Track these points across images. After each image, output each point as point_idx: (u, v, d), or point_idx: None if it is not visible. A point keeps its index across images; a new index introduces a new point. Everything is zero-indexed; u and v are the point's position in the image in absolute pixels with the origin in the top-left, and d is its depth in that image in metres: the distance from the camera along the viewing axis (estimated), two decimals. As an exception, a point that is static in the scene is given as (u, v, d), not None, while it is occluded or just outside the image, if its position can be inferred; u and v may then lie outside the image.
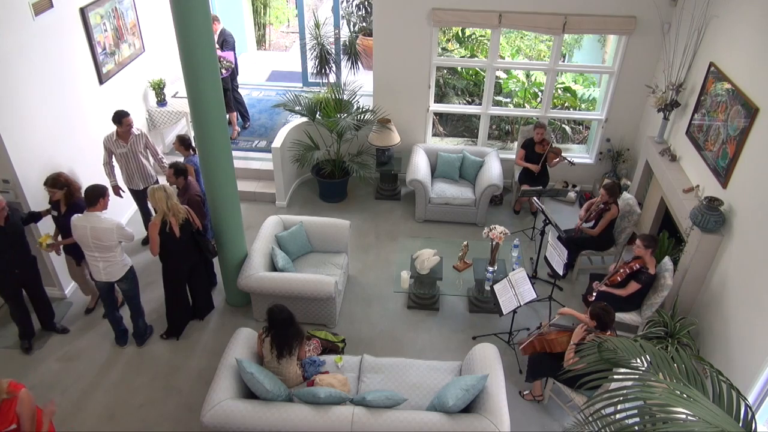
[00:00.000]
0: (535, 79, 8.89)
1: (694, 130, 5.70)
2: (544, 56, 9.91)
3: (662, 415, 2.67)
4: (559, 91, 8.76)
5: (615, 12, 6.45)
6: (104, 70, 6.37)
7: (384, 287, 6.17)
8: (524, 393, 5.01)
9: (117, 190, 5.99)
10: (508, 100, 8.94)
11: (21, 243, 4.96)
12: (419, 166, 7.01)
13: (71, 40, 5.83)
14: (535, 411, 4.91)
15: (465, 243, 5.87)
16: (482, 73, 8.38)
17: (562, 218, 6.99)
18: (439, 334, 5.63)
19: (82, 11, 5.92)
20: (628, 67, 6.83)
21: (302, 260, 5.92)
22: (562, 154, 6.86)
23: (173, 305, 5.41)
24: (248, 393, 4.26)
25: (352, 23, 9.57)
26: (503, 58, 9.14)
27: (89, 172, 6.00)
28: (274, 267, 5.61)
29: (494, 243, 5.54)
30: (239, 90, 8.21)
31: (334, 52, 8.68)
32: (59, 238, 5.24)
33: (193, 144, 6.09)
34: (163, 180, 5.73)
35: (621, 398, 2.78)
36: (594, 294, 5.19)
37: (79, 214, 4.82)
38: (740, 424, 2.64)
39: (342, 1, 9.37)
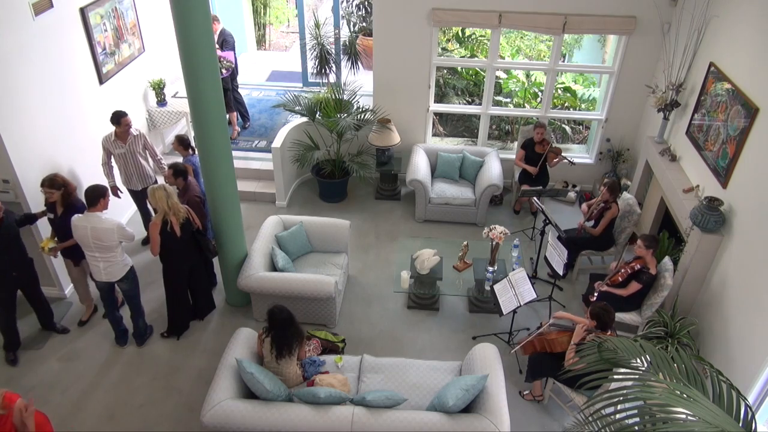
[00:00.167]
0: (535, 79, 8.89)
1: (694, 130, 5.70)
2: (544, 56, 9.91)
3: (662, 415, 2.67)
4: (559, 91, 8.76)
5: (615, 12, 6.45)
6: (104, 70, 6.37)
7: (384, 287, 6.17)
8: (524, 393, 5.01)
9: (115, 191, 5.99)
10: (508, 100, 8.94)
11: (17, 245, 4.92)
12: (419, 166, 7.01)
13: (71, 40, 5.83)
14: (535, 411, 4.91)
15: (465, 243, 5.87)
16: (482, 73, 8.38)
17: (562, 218, 6.99)
18: (439, 334, 5.64)
19: (82, 11, 5.92)
20: (628, 67, 6.83)
21: (302, 260, 5.92)
22: (562, 154, 6.86)
23: (174, 305, 5.41)
24: (248, 393, 4.26)
25: (352, 23, 9.57)
26: (503, 58, 9.15)
27: (89, 172, 6.00)
28: (274, 267, 5.61)
29: (494, 243, 5.54)
30: (239, 90, 8.21)
31: (334, 52, 8.68)
32: (55, 240, 5.20)
33: (192, 144, 6.11)
34: (162, 181, 5.72)
35: (621, 398, 2.78)
36: (596, 294, 5.19)
37: (80, 215, 4.82)
38: (740, 424, 2.64)
39: (342, 1, 9.37)
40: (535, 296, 5.04)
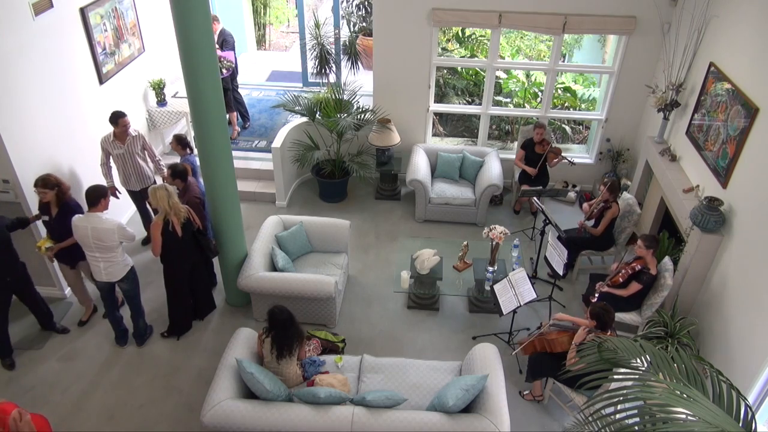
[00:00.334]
0: (535, 79, 8.89)
1: (694, 130, 5.70)
2: (544, 56, 9.91)
3: (662, 415, 2.67)
4: (559, 91, 8.76)
5: (615, 12, 6.45)
6: (104, 70, 6.37)
7: (384, 287, 6.17)
8: (524, 393, 5.01)
9: (113, 191, 5.97)
10: (508, 100, 8.94)
11: (8, 250, 4.88)
12: (419, 166, 7.01)
13: (71, 40, 5.83)
14: (535, 411, 4.91)
15: (465, 243, 5.87)
16: (482, 73, 8.38)
17: (562, 218, 6.99)
18: (439, 334, 5.63)
19: (82, 11, 5.92)
20: (628, 67, 6.83)
21: (302, 260, 5.92)
22: (562, 154, 6.87)
23: (176, 305, 5.41)
24: (248, 393, 4.26)
25: (352, 23, 9.57)
26: (503, 58, 9.15)
27: (89, 172, 6.01)
28: (274, 267, 5.61)
29: (494, 243, 5.54)
30: (239, 90, 8.21)
31: (334, 52, 8.68)
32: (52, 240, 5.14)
33: (190, 143, 6.11)
34: (160, 182, 5.72)
35: (621, 398, 2.78)
36: (596, 295, 5.19)
37: (80, 215, 4.82)
38: (740, 424, 2.64)
39: (342, 1, 9.37)
40: (535, 296, 5.04)
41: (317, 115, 7.14)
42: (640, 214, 6.07)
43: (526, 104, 8.89)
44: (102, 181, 5.80)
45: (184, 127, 8.02)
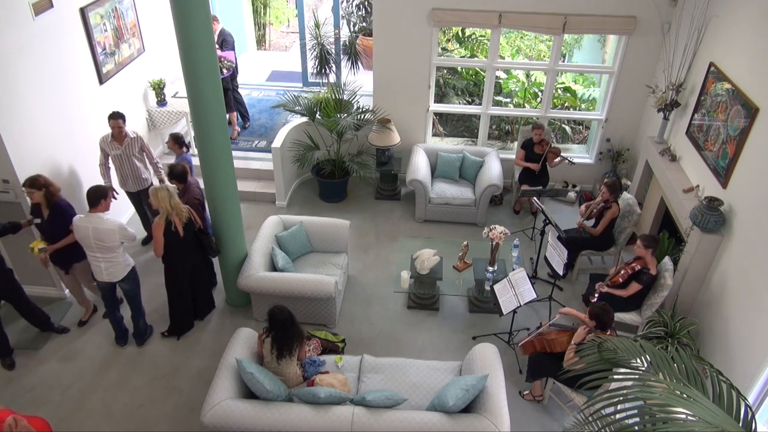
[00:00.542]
0: (535, 79, 8.89)
1: (694, 130, 5.70)
2: (544, 56, 9.91)
3: (662, 415, 2.67)
4: (559, 91, 8.76)
5: (615, 12, 6.45)
6: (104, 70, 6.37)
7: (384, 287, 6.17)
8: (524, 393, 5.01)
9: (111, 192, 5.94)
10: (508, 100, 8.94)
11: None
12: (419, 166, 7.01)
13: (71, 40, 5.83)
14: (535, 411, 4.91)
15: (465, 243, 5.87)
16: (482, 73, 8.38)
17: (562, 218, 6.99)
18: (439, 334, 5.63)
19: (82, 11, 5.92)
20: (628, 67, 6.83)
21: (302, 260, 5.92)
22: (562, 154, 6.87)
23: (177, 305, 5.41)
24: (248, 393, 4.26)
25: (352, 23, 9.57)
26: (503, 58, 9.15)
27: (89, 172, 6.01)
28: (274, 267, 5.61)
29: (494, 243, 5.54)
30: (239, 90, 8.21)
31: (334, 52, 8.68)
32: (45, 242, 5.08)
33: (186, 141, 6.12)
34: (157, 184, 5.71)
35: (621, 398, 2.78)
36: (596, 295, 5.19)
37: (81, 215, 4.82)
38: (740, 424, 2.64)
39: (342, 1, 9.37)
40: (535, 296, 5.04)
41: (317, 115, 7.14)
42: (640, 214, 6.07)
43: (526, 104, 8.89)
44: (100, 182, 5.81)
45: (184, 127, 8.01)
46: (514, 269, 5.35)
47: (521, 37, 10.35)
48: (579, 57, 10.15)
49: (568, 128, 8.84)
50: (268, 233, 5.81)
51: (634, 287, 5.10)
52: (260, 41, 12.00)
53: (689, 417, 2.62)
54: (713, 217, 4.82)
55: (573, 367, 4.03)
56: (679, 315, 5.06)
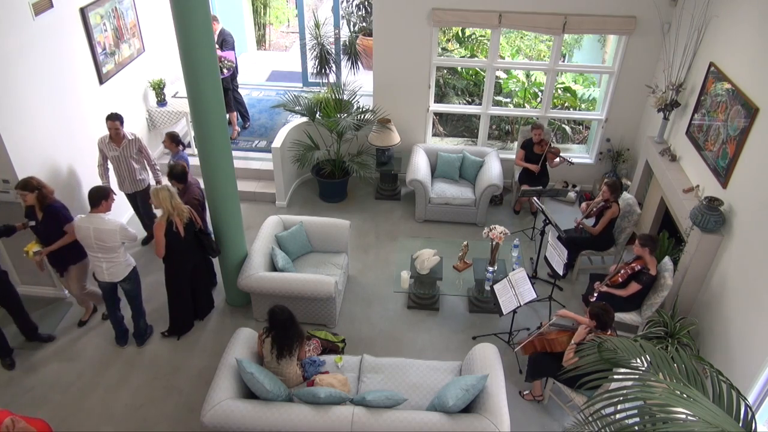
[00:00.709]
0: (535, 79, 8.89)
1: (694, 130, 5.70)
2: (544, 56, 9.91)
3: (662, 415, 2.67)
4: (559, 91, 8.76)
5: (615, 12, 6.45)
6: (104, 70, 6.37)
7: (384, 287, 6.17)
8: (524, 393, 5.01)
9: None
10: (508, 100, 8.94)
11: None
12: (419, 166, 7.01)
13: (71, 40, 5.83)
14: (535, 411, 4.91)
15: (465, 243, 5.87)
16: (482, 73, 8.38)
17: (562, 218, 6.99)
18: (439, 334, 5.63)
19: (82, 11, 5.92)
20: (628, 67, 6.83)
21: (302, 260, 5.92)
22: (561, 154, 6.87)
23: (177, 305, 5.41)
24: (248, 393, 4.26)
25: (352, 23, 9.57)
26: (503, 58, 9.15)
27: (89, 172, 6.01)
28: (274, 267, 5.61)
29: (494, 243, 5.54)
30: (239, 90, 8.21)
31: (334, 52, 8.68)
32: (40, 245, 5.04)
33: (183, 140, 6.11)
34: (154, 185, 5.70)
35: (621, 398, 2.78)
36: (595, 294, 5.20)
37: (83, 215, 4.82)
38: (740, 424, 2.64)
39: (342, 1, 9.37)
40: (535, 296, 5.04)
41: (317, 115, 7.14)
42: (640, 214, 6.07)
43: (526, 104, 8.89)
44: (99, 182, 5.80)
45: (184, 127, 8.02)
46: (514, 269, 5.35)
47: (521, 37, 10.35)
48: (579, 57, 10.15)
49: (568, 128, 8.84)
50: (268, 233, 5.81)
51: (634, 287, 5.10)
52: (260, 41, 12.00)
53: (689, 417, 2.62)
54: (713, 217, 4.82)
55: (573, 367, 4.03)
56: (679, 315, 5.06)
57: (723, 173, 5.02)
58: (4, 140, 4.98)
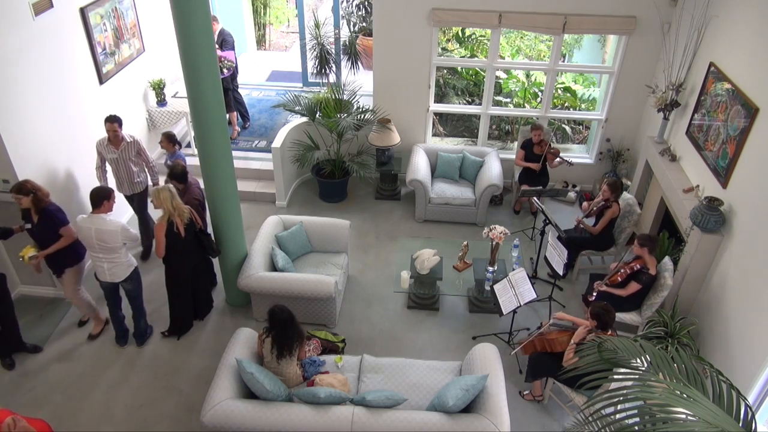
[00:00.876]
0: (535, 79, 8.89)
1: (694, 130, 5.70)
2: (544, 56, 9.91)
3: (662, 415, 2.67)
4: (559, 91, 8.76)
5: (615, 12, 6.45)
6: (104, 70, 6.38)
7: (384, 287, 6.17)
8: (524, 393, 5.01)
9: None
10: (508, 100, 8.94)
11: None
12: (419, 166, 7.01)
13: (71, 40, 5.83)
14: (535, 411, 4.91)
15: (465, 243, 5.87)
16: (482, 73, 8.38)
17: (562, 218, 6.99)
18: (439, 334, 5.63)
19: (82, 11, 5.92)
20: (628, 67, 6.83)
21: (302, 260, 5.92)
22: (561, 155, 6.87)
23: (177, 305, 5.41)
24: (248, 393, 4.26)
25: (352, 23, 9.57)
26: (503, 58, 9.14)
27: (88, 173, 6.00)
28: (274, 267, 5.61)
29: (494, 243, 5.54)
30: (239, 90, 8.21)
31: (334, 52, 8.68)
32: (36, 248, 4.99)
33: (179, 140, 6.11)
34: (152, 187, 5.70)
35: (621, 398, 2.78)
36: (594, 294, 5.20)
37: (84, 215, 4.82)
38: (740, 424, 2.64)
39: (342, 1, 9.37)
40: (535, 296, 5.04)
41: (317, 115, 7.14)
42: (640, 214, 6.07)
43: (526, 104, 8.89)
44: (96, 185, 5.79)
45: (184, 127, 8.02)
46: (514, 269, 5.35)
47: (521, 37, 10.35)
48: (579, 57, 10.15)
49: (568, 128, 8.84)
50: (268, 233, 5.81)
51: (633, 287, 5.10)
52: (260, 41, 12.00)
53: (689, 417, 2.62)
54: (713, 217, 4.82)
55: (573, 367, 4.03)
56: (679, 315, 5.06)
57: (723, 173, 5.02)
58: (4, 140, 4.98)
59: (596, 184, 7.59)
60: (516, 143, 7.75)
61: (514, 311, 5.15)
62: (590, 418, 2.86)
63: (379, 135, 7.10)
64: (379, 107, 7.35)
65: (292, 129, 7.33)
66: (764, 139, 4.50)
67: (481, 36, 9.39)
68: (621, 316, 5.21)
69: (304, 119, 7.38)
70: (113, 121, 5.65)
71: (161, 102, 7.51)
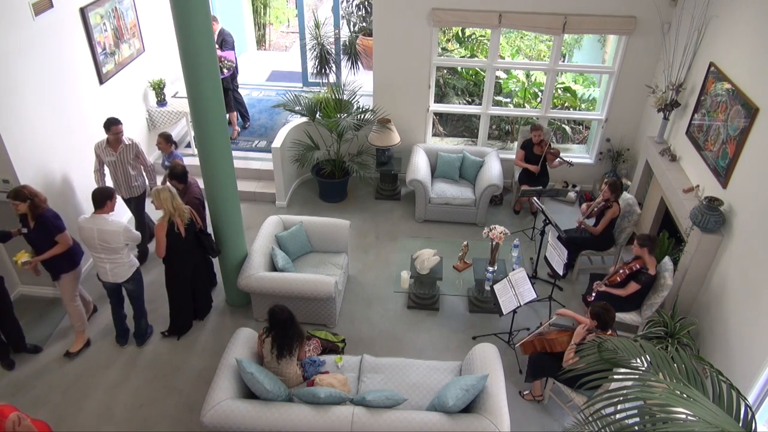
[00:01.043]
0: (535, 79, 8.89)
1: (694, 130, 5.70)
2: (544, 56, 9.91)
3: (662, 415, 2.67)
4: (559, 91, 8.76)
5: (615, 12, 6.45)
6: (104, 70, 6.37)
7: (384, 287, 6.17)
8: (524, 393, 5.01)
9: None
10: (508, 100, 8.94)
11: None
12: (419, 166, 7.01)
13: (71, 40, 5.83)
14: (535, 411, 4.91)
15: (465, 243, 5.87)
16: (482, 73, 8.38)
17: (562, 218, 6.99)
18: (439, 334, 5.63)
19: (82, 11, 5.92)
20: (628, 67, 6.83)
21: (302, 260, 5.92)
22: (560, 155, 6.87)
23: (177, 305, 5.41)
24: (248, 393, 4.26)
25: (352, 23, 9.57)
26: (503, 58, 9.15)
27: (88, 173, 6.00)
28: (274, 267, 5.61)
29: (494, 243, 5.54)
30: (239, 90, 8.20)
31: (334, 52, 8.68)
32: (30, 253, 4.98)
33: (175, 139, 6.11)
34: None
35: (621, 398, 2.78)
36: (593, 294, 5.20)
37: (86, 216, 4.82)
38: (740, 424, 2.64)
39: (342, 1, 9.37)
40: (535, 296, 5.04)
41: (317, 115, 7.14)
42: (640, 214, 6.07)
43: (526, 104, 8.89)
44: (95, 187, 5.78)
45: (184, 127, 8.02)
46: (514, 269, 5.35)
47: (521, 37, 10.35)
48: (579, 57, 10.15)
49: (568, 128, 8.84)
50: (268, 233, 5.81)
51: (633, 287, 5.10)
52: (260, 41, 12.00)
53: (689, 417, 2.62)
54: (713, 217, 4.82)
55: (573, 367, 4.03)
56: (679, 315, 5.06)
57: (723, 173, 5.02)
58: (4, 140, 4.98)
59: (596, 184, 7.59)
60: (516, 143, 7.75)
61: (514, 311, 5.15)
62: (590, 418, 2.86)
63: (379, 135, 7.10)
64: (379, 107, 7.35)
65: (292, 129, 7.33)
66: (764, 139, 4.50)
67: (481, 36, 9.39)
68: (621, 316, 5.21)
69: (304, 119, 7.38)
70: (119, 124, 5.66)
71: (161, 102, 7.51)
